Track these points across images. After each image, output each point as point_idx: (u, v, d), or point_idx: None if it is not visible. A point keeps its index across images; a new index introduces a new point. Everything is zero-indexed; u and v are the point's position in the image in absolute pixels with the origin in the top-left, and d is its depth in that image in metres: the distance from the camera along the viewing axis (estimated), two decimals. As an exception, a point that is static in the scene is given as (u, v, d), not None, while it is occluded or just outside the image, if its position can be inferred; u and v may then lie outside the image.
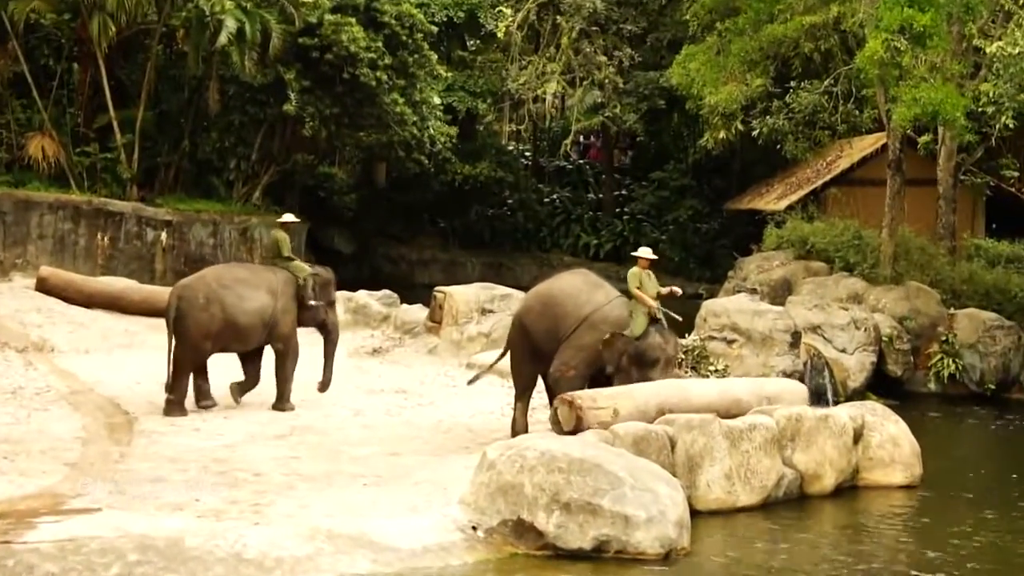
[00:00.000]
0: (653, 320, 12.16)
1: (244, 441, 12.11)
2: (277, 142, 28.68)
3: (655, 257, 12.77)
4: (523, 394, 12.74)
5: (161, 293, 20.39)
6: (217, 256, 26.71)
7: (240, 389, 14.17)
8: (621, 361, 11.93)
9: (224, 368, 14.20)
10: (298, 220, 14.53)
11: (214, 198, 27.88)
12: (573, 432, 10.76)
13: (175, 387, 13.47)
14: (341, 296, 20.39)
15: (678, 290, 12.52)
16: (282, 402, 13.99)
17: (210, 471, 10.72)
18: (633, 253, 12.89)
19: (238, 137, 28.09)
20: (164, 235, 26.05)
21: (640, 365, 11.96)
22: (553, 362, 12.11)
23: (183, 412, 13.40)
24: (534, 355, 12.48)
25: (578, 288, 12.47)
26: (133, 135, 26.06)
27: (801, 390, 13.07)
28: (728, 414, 11.67)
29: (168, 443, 11.84)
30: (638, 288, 12.22)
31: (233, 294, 13.65)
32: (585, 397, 11.16)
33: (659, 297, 12.31)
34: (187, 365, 13.57)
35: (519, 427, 12.46)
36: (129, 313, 19.66)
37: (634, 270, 12.44)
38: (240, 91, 27.69)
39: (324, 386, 14.37)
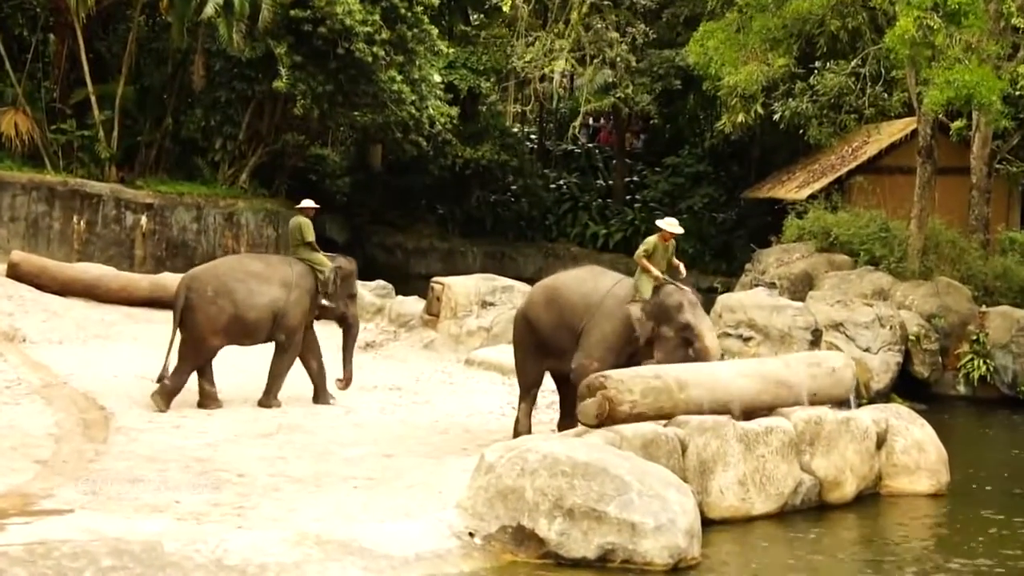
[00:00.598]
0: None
1: (228, 440, 12.13)
2: (266, 121, 28.72)
3: (681, 231, 12.72)
4: (527, 393, 12.80)
5: (140, 281, 20.51)
6: (200, 242, 26.82)
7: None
8: (648, 327, 11.91)
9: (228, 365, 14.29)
10: (317, 206, 14.65)
11: (198, 180, 27.94)
12: (599, 425, 10.73)
13: (173, 377, 13.58)
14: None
15: (682, 268, 12.53)
16: (269, 397, 14.05)
17: (191, 471, 10.74)
18: (658, 222, 12.85)
19: (224, 115, 28.12)
20: (144, 219, 26.13)
21: (665, 318, 11.93)
22: (574, 357, 12.15)
23: (166, 406, 13.43)
24: (540, 351, 12.57)
25: (583, 278, 12.57)
26: (112, 112, 26.11)
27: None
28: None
29: (146, 441, 11.86)
30: (645, 256, 12.22)
31: (244, 288, 13.81)
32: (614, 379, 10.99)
33: (671, 270, 12.32)
34: (191, 359, 13.72)
35: (522, 428, 12.50)
36: (106, 302, 19.69)
37: (649, 239, 12.45)
38: (227, 66, 27.73)
39: (346, 383, 14.56)
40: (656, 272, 12.17)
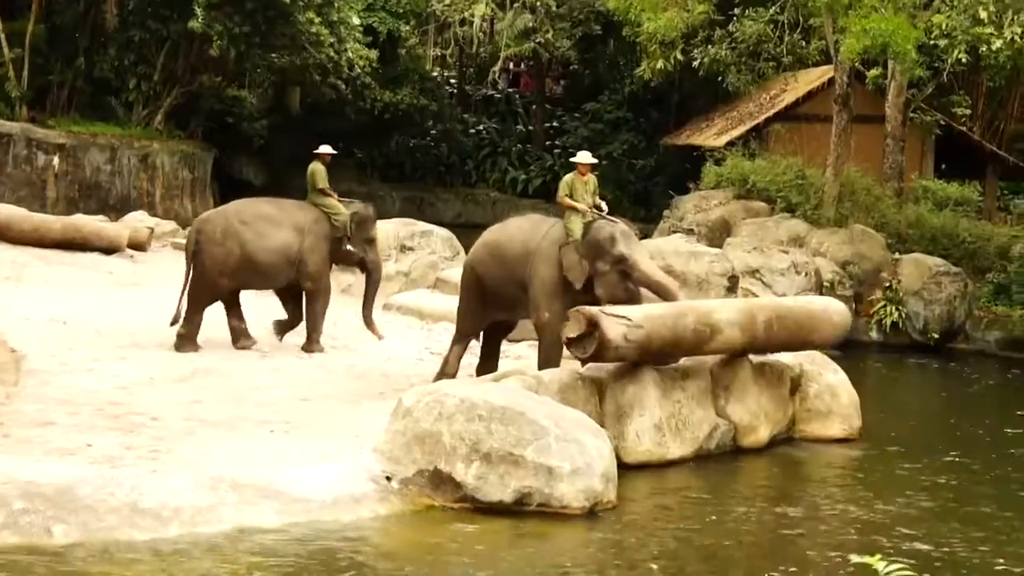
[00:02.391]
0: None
1: (142, 383, 12.00)
2: (181, 62, 28.28)
3: (594, 161, 12.76)
4: (463, 339, 12.83)
5: (52, 223, 20.20)
6: (115, 184, 26.44)
7: (281, 328, 14.54)
8: (585, 267, 11.88)
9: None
10: (335, 152, 14.69)
11: (112, 121, 27.50)
12: (593, 356, 10.79)
13: (187, 321, 13.83)
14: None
15: (604, 205, 12.54)
16: (311, 344, 14.18)
17: (104, 415, 10.62)
18: (572, 159, 12.92)
19: (139, 55, 27.65)
20: (56, 160, 25.69)
21: (599, 254, 11.89)
22: (531, 317, 12.20)
23: (195, 347, 13.77)
24: (489, 303, 12.57)
25: (523, 228, 12.58)
26: (22, 50, 25.59)
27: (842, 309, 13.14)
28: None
29: (59, 384, 11.70)
30: (567, 196, 12.23)
31: (252, 230, 13.91)
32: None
33: (596, 208, 12.32)
34: (202, 300, 13.93)
35: (450, 370, 12.51)
36: (17, 243, 19.38)
37: (566, 177, 12.46)
38: (141, 5, 27.26)
39: (373, 330, 14.56)
40: (581, 206, 12.16)
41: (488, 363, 12.77)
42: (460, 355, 12.80)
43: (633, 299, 11.90)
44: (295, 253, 14.04)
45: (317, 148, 14.65)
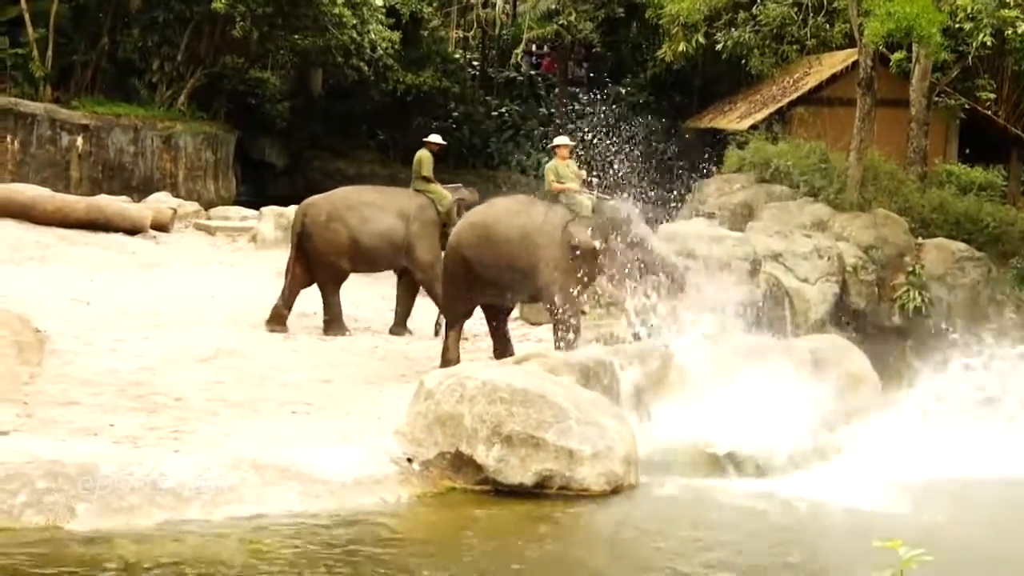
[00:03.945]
0: None
1: (164, 363, 12.04)
2: (205, 43, 28.29)
3: (572, 143, 12.91)
4: (456, 323, 12.79)
5: (75, 203, 20.25)
6: (138, 165, 26.49)
7: (396, 321, 14.70)
8: (595, 242, 11.94)
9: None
10: (445, 143, 14.88)
11: (135, 102, 27.53)
12: None
13: (327, 306, 14.31)
14: (270, 212, 20.32)
15: (594, 182, 12.65)
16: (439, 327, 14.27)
17: (127, 395, 10.66)
18: (551, 145, 13.02)
19: (162, 36, 27.67)
20: (80, 140, 25.74)
21: (616, 231, 11.99)
22: (545, 300, 12.17)
23: (343, 329, 14.22)
24: (477, 286, 12.49)
25: (513, 210, 12.51)
26: (47, 29, 25.61)
27: None
28: None
29: (82, 364, 11.75)
30: (557, 181, 12.26)
31: (356, 215, 14.21)
32: None
33: (588, 185, 12.39)
34: (330, 283, 14.32)
35: (452, 355, 12.51)
36: (41, 224, 19.45)
37: (550, 164, 12.51)
38: (165, -15, 27.23)
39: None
40: (576, 187, 12.19)
41: (503, 346, 12.74)
42: (458, 339, 12.77)
43: (622, 279, 12.30)
44: (400, 239, 14.14)
45: (428, 137, 15.03)
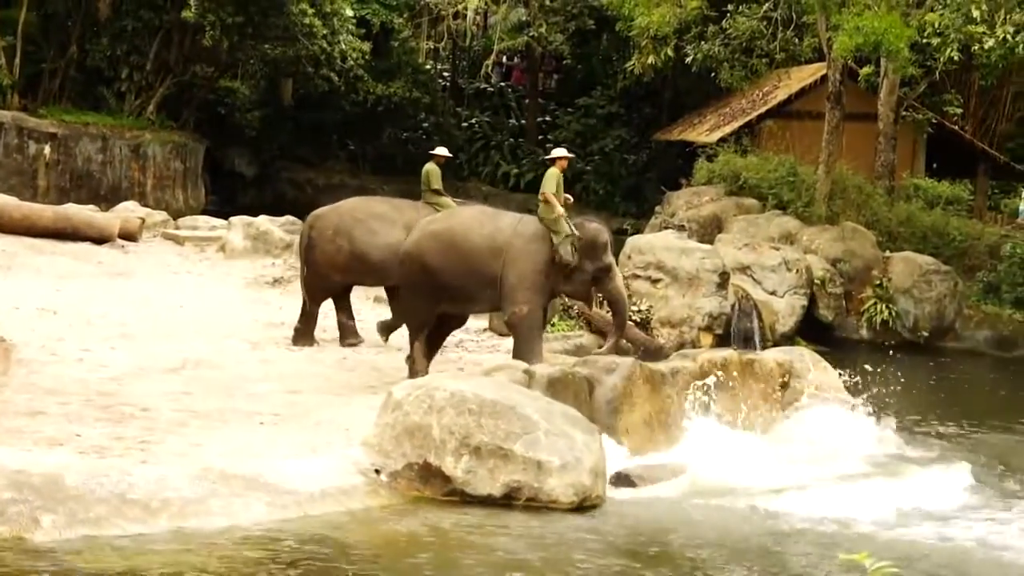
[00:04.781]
0: None
1: (132, 374, 11.99)
2: (174, 52, 28.23)
3: (572, 156, 12.96)
4: (419, 333, 12.67)
5: (43, 211, 20.14)
6: (106, 174, 26.38)
7: (385, 328, 14.42)
8: (573, 262, 11.97)
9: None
10: (451, 155, 14.85)
11: (104, 111, 27.44)
12: None
13: (304, 317, 14.22)
14: (239, 221, 20.28)
15: (570, 198, 12.69)
16: None
17: (94, 405, 10.61)
18: (548, 156, 12.98)
19: (131, 45, 27.60)
20: (48, 149, 25.63)
21: (592, 255, 12.03)
22: (504, 309, 12.16)
23: (311, 341, 14.11)
24: (438, 295, 12.31)
25: (479, 220, 12.44)
26: (15, 37, 25.53)
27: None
28: None
29: (49, 374, 11.68)
30: (554, 192, 12.25)
31: (364, 228, 14.01)
32: None
33: (565, 204, 12.41)
34: (316, 295, 14.22)
35: (419, 367, 12.42)
36: (7, 232, 19.31)
37: (553, 171, 12.45)
38: (134, -6, 27.16)
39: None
40: (560, 210, 12.18)
41: (427, 356, 12.63)
42: (423, 351, 12.67)
43: (589, 300, 12.91)
44: None
45: (432, 150, 14.91)
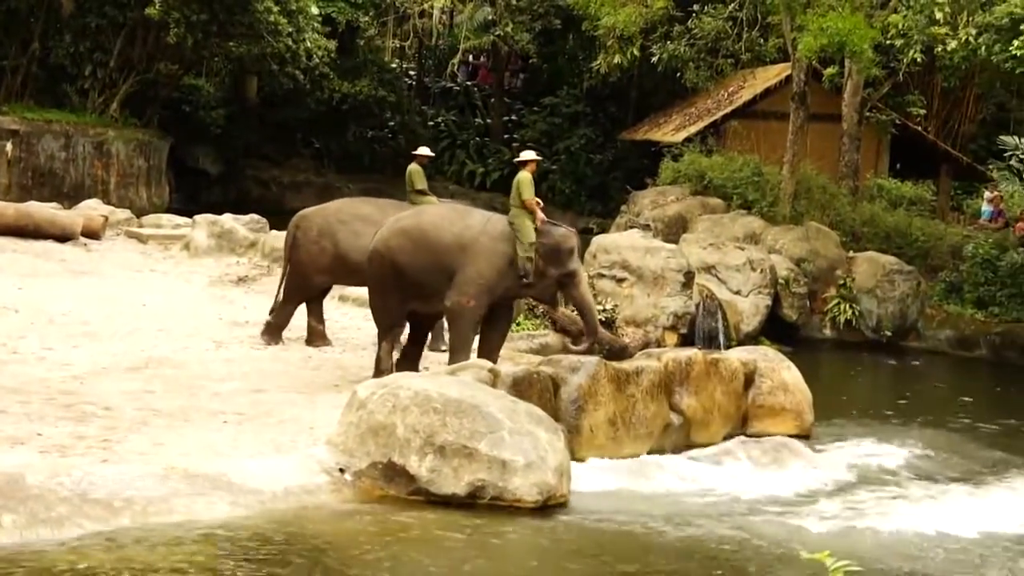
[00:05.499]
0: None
1: (94, 373, 11.92)
2: (138, 49, 28.07)
3: (540, 158, 13.01)
4: (388, 332, 12.62)
5: (5, 209, 20.00)
6: (69, 171, 26.21)
7: None
8: (538, 264, 11.92)
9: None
10: (433, 155, 14.75)
11: (67, 108, 27.26)
12: None
13: (279, 312, 14.18)
14: (204, 219, 20.20)
15: (539, 202, 12.64)
16: (436, 342, 14.12)
17: (55, 404, 10.54)
18: (517, 159, 12.95)
19: (94, 42, 27.42)
20: (10, 146, 25.43)
21: (556, 261, 11.95)
22: (448, 295, 12.01)
23: (278, 340, 14.07)
24: (407, 293, 12.27)
25: (450, 218, 12.40)
26: (-24, 35, 25.29)
27: None
28: None
29: (9, 372, 11.60)
30: (531, 198, 12.18)
31: (348, 229, 13.92)
32: None
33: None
34: (294, 294, 14.18)
35: (385, 366, 12.37)
36: (-32, 230, 19.19)
37: (525, 175, 12.38)
38: (98, -10, 26.99)
39: None
40: (540, 214, 12.14)
41: (407, 361, 12.56)
42: (390, 349, 12.58)
43: (555, 304, 12.78)
44: None
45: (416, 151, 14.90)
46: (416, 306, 12.35)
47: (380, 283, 12.43)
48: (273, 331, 14.10)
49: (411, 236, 12.23)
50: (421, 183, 14.45)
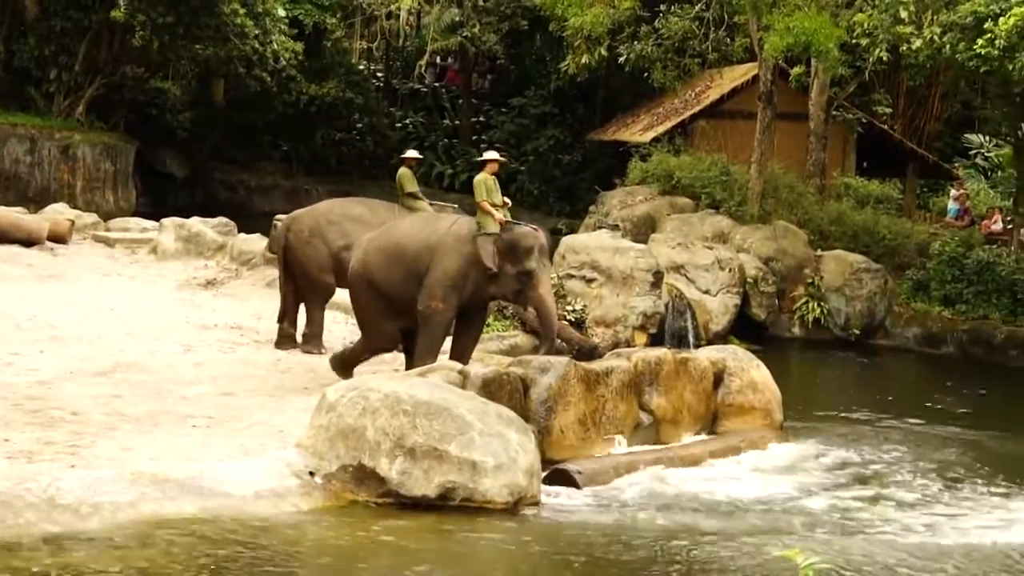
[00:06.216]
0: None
1: (61, 377, 11.84)
2: (103, 52, 27.94)
3: (504, 159, 12.89)
4: (372, 354, 12.55)
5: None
6: (34, 175, 26.04)
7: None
8: (495, 260, 11.81)
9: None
10: (421, 156, 14.68)
11: (32, 111, 27.12)
12: None
13: (309, 320, 14.10)
14: (171, 223, 20.12)
15: (508, 202, 12.62)
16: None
17: (22, 409, 10.46)
18: (480, 158, 12.94)
19: (59, 45, 27.28)
20: (-26, 151, 25.26)
21: (513, 258, 11.85)
22: (419, 300, 11.94)
23: (320, 347, 13.91)
24: (393, 311, 12.14)
25: (416, 226, 12.36)
26: (-60, 38, 25.12)
27: None
28: None
29: (-25, 378, 11.52)
30: (485, 199, 12.14)
31: (337, 230, 13.89)
32: None
33: (504, 206, 12.35)
34: (315, 299, 14.10)
35: (349, 359, 12.38)
36: (-67, 235, 19.05)
37: (481, 177, 12.35)
38: (62, -7, 26.86)
39: None
40: (498, 215, 12.10)
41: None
42: (365, 359, 12.54)
43: (524, 304, 12.60)
44: None
45: (405, 153, 14.84)
46: (407, 323, 12.16)
47: (365, 306, 12.31)
48: (311, 341, 14.00)
49: (386, 251, 12.15)
50: (412, 186, 14.41)
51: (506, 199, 12.52)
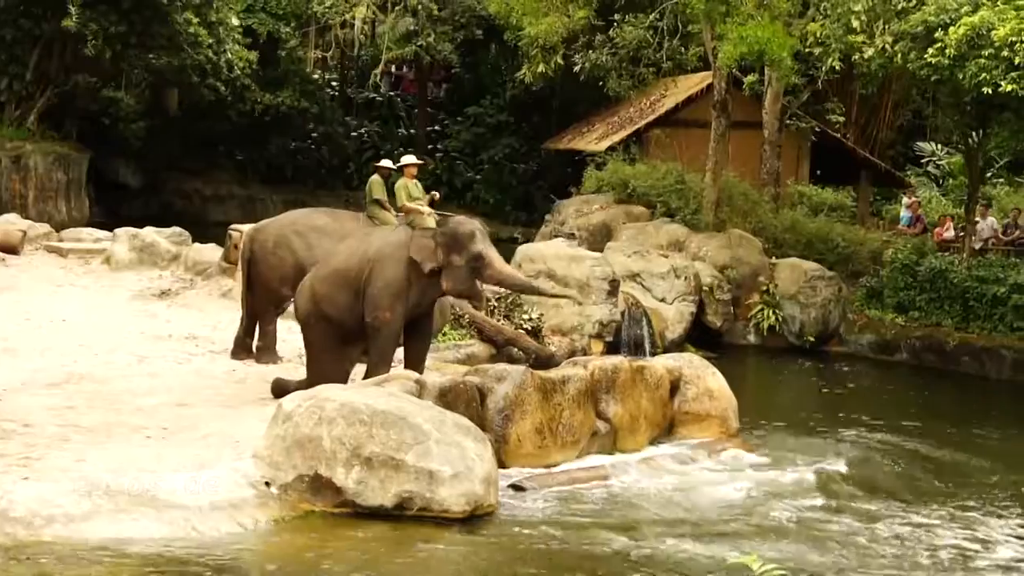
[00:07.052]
0: None
1: (13, 389, 11.74)
2: (55, 61, 27.75)
3: (421, 162, 12.97)
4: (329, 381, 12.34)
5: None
6: (-16, 185, 25.81)
7: None
8: (439, 256, 11.70)
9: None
10: (394, 167, 14.56)
11: (-18, 121, 26.88)
12: None
13: (263, 334, 14.00)
14: (125, 233, 19.98)
15: (436, 195, 12.66)
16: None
17: (-26, 422, 10.37)
18: (399, 164, 12.99)
19: (10, 55, 27.08)
20: (-75, 161, 25.04)
21: (457, 248, 11.74)
22: (366, 313, 11.77)
23: (274, 358, 13.88)
24: (347, 341, 11.94)
25: (353, 246, 12.14)
26: None
27: None
28: None
29: (-74, 391, 11.40)
30: (408, 200, 12.20)
31: (302, 241, 13.82)
32: None
33: (432, 203, 12.37)
34: (269, 309, 14.02)
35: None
36: None
37: (401, 182, 12.43)
38: (13, 2, 26.67)
39: None
40: (424, 209, 12.15)
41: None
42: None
43: (476, 295, 12.51)
44: None
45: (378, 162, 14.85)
46: (367, 345, 11.96)
47: (322, 345, 11.91)
48: (264, 354, 13.89)
49: (328, 281, 11.90)
50: (380, 193, 14.39)
51: (433, 192, 12.56)
